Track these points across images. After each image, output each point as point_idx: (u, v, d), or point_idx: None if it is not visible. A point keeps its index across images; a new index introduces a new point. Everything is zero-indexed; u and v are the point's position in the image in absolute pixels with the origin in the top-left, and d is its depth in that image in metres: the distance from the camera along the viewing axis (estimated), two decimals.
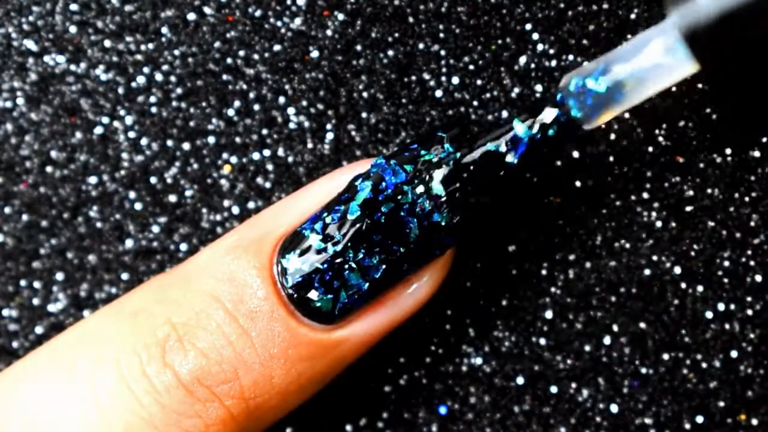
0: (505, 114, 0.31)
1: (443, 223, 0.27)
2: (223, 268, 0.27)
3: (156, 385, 0.26)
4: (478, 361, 0.32)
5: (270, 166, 0.32)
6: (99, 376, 0.26)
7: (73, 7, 0.32)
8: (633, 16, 0.30)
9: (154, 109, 0.32)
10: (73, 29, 0.32)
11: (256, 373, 0.26)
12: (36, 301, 0.33)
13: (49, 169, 0.32)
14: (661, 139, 0.31)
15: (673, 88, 0.30)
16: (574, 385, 0.31)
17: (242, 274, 0.27)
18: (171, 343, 0.26)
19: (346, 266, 0.27)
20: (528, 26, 0.31)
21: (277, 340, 0.27)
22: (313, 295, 0.27)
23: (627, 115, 0.31)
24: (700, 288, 0.31)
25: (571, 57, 0.31)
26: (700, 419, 0.31)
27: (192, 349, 0.26)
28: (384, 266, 0.27)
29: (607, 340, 0.31)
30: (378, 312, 0.28)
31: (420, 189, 0.27)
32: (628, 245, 0.31)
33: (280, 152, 0.32)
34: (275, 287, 0.27)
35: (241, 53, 0.32)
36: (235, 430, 0.26)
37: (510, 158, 0.27)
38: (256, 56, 0.32)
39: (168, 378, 0.26)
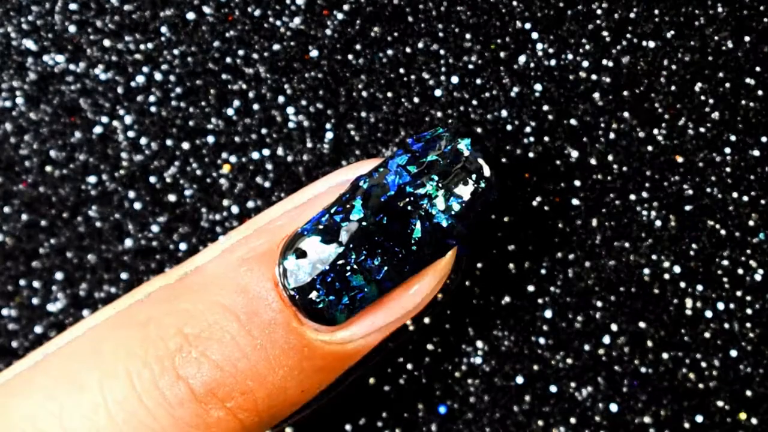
0: (504, 113, 0.31)
1: (445, 225, 0.27)
2: (236, 279, 0.26)
3: (169, 397, 0.25)
4: (478, 360, 0.32)
5: (269, 166, 0.32)
6: (110, 388, 0.25)
7: (73, 6, 0.32)
8: (633, 15, 0.30)
9: (153, 109, 0.32)
10: (72, 29, 0.32)
11: (270, 385, 0.26)
12: (36, 301, 0.33)
13: (48, 168, 0.32)
14: (661, 139, 0.31)
15: (673, 88, 0.31)
16: (573, 385, 0.31)
17: (256, 286, 0.26)
18: (184, 355, 0.26)
19: (349, 268, 0.26)
20: (528, 26, 0.31)
21: (292, 352, 0.26)
22: (315, 296, 0.26)
23: (627, 115, 0.31)
24: (699, 287, 0.31)
25: (570, 56, 0.31)
26: (699, 418, 0.31)
27: (206, 362, 0.26)
28: (386, 268, 0.27)
29: (606, 340, 0.31)
30: (380, 313, 0.27)
31: (422, 190, 0.27)
32: (627, 245, 0.31)
33: (280, 152, 0.32)
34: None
35: (241, 52, 0.32)
36: None
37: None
38: (255, 55, 0.32)
39: (181, 391, 0.25)
